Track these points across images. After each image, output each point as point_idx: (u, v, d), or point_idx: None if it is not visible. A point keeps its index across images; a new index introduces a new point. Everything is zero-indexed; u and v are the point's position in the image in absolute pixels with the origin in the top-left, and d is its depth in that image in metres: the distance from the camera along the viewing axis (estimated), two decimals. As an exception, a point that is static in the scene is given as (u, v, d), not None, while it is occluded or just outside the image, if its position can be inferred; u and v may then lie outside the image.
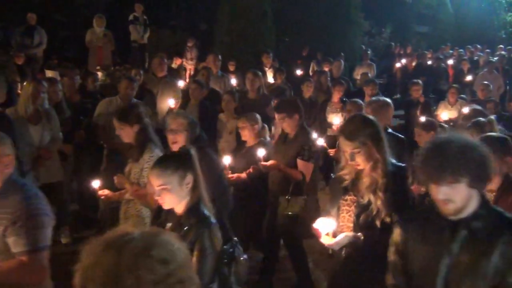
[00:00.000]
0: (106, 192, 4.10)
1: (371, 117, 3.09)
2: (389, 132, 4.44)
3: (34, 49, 11.20)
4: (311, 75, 10.87)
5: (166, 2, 15.88)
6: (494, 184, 3.13)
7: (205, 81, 7.23)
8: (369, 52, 13.93)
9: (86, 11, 13.54)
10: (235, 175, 4.90)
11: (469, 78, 12.10)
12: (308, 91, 8.15)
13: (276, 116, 4.73)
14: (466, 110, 8.06)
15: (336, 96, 7.68)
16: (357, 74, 11.93)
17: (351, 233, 2.91)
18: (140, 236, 1.33)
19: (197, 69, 10.41)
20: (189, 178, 2.76)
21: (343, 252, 2.97)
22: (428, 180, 2.13)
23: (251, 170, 4.88)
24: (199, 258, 2.58)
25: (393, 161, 3.02)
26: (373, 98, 5.07)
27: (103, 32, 11.38)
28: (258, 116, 5.27)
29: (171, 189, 2.70)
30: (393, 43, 17.69)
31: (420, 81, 8.50)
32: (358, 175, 2.97)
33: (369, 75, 10.76)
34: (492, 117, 5.44)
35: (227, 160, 4.86)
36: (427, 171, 2.10)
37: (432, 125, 5.39)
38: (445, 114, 8.29)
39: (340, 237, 2.86)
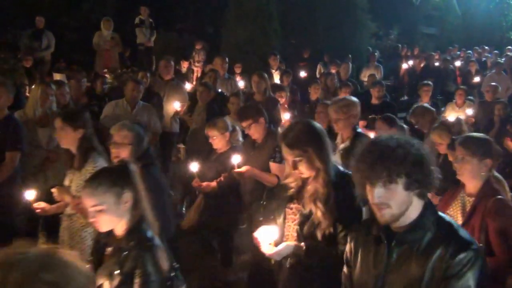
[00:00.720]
0: (42, 204, 3.76)
1: (315, 123, 2.93)
2: (359, 132, 4.37)
3: (42, 52, 11.28)
4: (318, 77, 10.86)
5: (173, 5, 15.93)
6: (473, 188, 3.07)
7: (212, 83, 7.25)
8: (376, 53, 13.89)
9: (93, 15, 13.60)
10: (205, 183, 4.68)
11: (477, 79, 12.04)
12: (315, 93, 8.15)
13: (242, 124, 4.51)
14: (470, 112, 8.06)
15: (343, 98, 7.66)
16: (364, 76, 11.90)
17: (292, 243, 2.79)
18: (34, 256, 1.19)
19: (204, 72, 10.42)
20: (128, 196, 2.43)
21: (287, 262, 2.84)
22: (362, 179, 2.01)
23: (221, 178, 4.64)
24: (141, 286, 2.27)
25: (341, 169, 2.89)
26: (338, 97, 4.91)
27: (110, 35, 11.43)
28: (227, 121, 4.98)
29: (106, 209, 2.37)
30: (400, 45, 17.64)
31: (430, 83, 8.44)
32: (304, 183, 2.85)
33: (376, 76, 10.74)
34: (461, 117, 5.37)
35: (194, 167, 4.62)
36: (362, 169, 1.98)
37: (393, 121, 5.23)
38: (452, 116, 8.26)
39: (281, 246, 2.75)
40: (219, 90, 7.52)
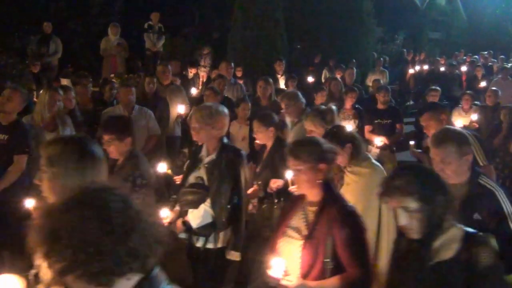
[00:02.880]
0: None
1: (78, 140, 2.35)
2: (226, 144, 3.96)
3: (49, 57, 11.37)
4: (324, 82, 10.88)
5: (179, 10, 16.03)
6: (314, 197, 2.80)
7: (220, 89, 7.30)
8: (382, 59, 13.90)
9: (101, 20, 13.71)
10: None
11: (483, 84, 12.02)
12: (321, 98, 8.16)
13: (104, 137, 3.76)
14: (475, 117, 8.04)
15: (348, 103, 7.68)
16: (370, 81, 11.91)
17: None
18: None
19: (209, 77, 10.47)
20: None
21: None
22: None
23: None
24: None
25: None
26: (205, 104, 4.47)
27: (117, 40, 11.51)
28: None
29: None
30: (405, 50, 17.65)
31: (438, 88, 8.40)
32: None
33: (381, 82, 10.73)
34: (333, 106, 4.85)
35: (30, 203, 3.56)
36: None
37: (270, 119, 4.73)
38: (459, 121, 8.24)
39: None
40: (225, 95, 7.56)
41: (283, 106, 5.78)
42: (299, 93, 6.02)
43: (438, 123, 4.25)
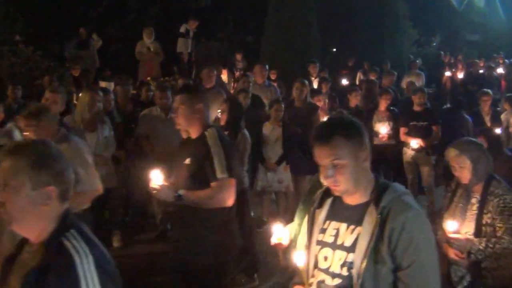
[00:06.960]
0: None
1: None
2: None
3: (90, 58, 11.73)
4: (358, 84, 10.82)
5: (214, 14, 16.20)
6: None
7: (246, 86, 7.43)
8: (418, 61, 13.70)
9: (137, 25, 13.99)
10: None
11: (522, 86, 11.73)
12: (355, 100, 8.13)
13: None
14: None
15: (383, 105, 7.63)
16: (405, 83, 11.75)
17: None
18: None
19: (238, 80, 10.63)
20: None
21: None
22: None
23: None
24: None
25: None
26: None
27: (152, 44, 11.74)
28: None
29: None
30: (442, 52, 17.33)
31: (489, 91, 8.20)
32: None
33: (416, 84, 10.57)
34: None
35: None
36: None
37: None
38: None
39: None
40: (256, 94, 7.64)
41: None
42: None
43: (192, 113, 3.47)
